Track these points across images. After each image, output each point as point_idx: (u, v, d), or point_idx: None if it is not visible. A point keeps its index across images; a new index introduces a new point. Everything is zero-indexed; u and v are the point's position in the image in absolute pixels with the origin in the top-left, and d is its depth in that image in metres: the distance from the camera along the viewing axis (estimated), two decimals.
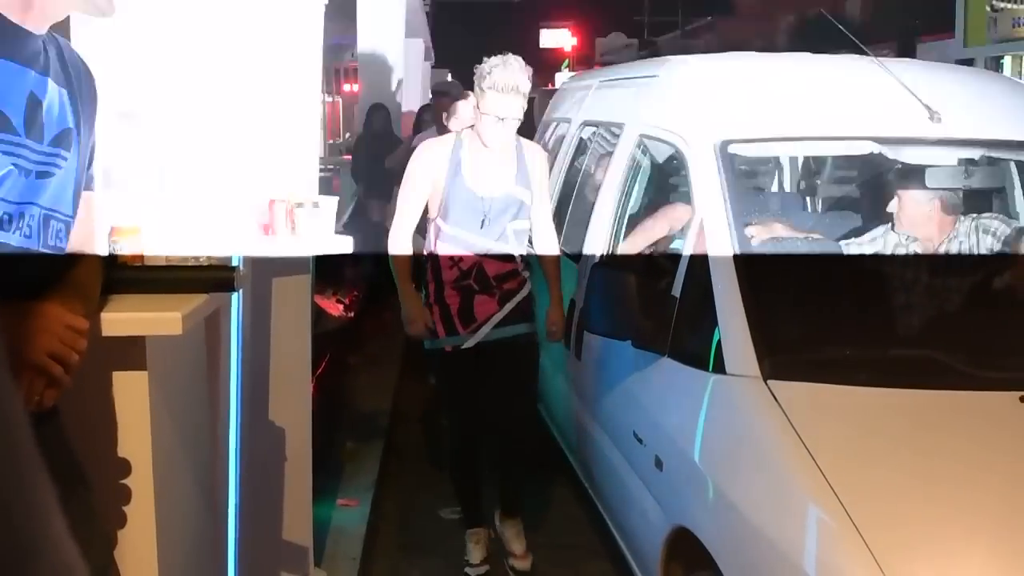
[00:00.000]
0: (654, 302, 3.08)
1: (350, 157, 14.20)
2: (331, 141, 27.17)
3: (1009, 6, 14.13)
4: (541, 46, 40.61)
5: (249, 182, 2.78)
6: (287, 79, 3.51)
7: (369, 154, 8.72)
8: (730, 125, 3.28)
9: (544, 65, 41.74)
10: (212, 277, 2.20)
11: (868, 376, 2.65)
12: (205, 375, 2.51)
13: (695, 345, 2.92)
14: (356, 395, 6.18)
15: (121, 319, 1.99)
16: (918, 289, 3.08)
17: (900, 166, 3.39)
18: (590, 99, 5.37)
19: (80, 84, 1.99)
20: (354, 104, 18.69)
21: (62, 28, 2.11)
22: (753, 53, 4.30)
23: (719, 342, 2.79)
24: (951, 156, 3.46)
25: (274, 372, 3.46)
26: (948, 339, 2.96)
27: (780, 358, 2.70)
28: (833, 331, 2.93)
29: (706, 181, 3.15)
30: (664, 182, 3.88)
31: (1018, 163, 3.72)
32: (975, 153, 3.48)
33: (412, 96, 16.04)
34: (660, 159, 3.75)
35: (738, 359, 2.72)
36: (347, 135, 24.66)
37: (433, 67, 28.65)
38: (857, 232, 3.48)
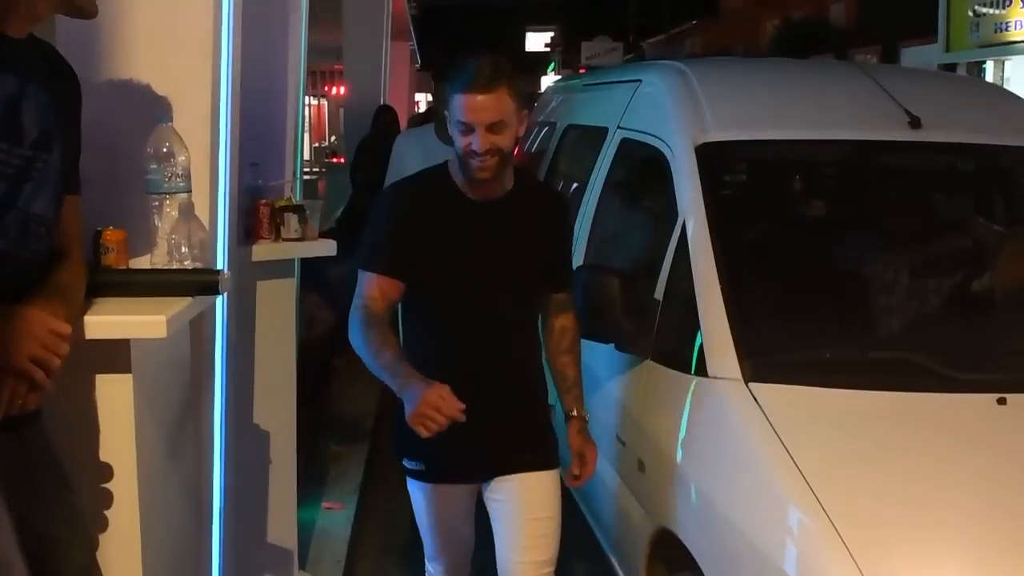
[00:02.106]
0: (637, 305, 3.10)
1: (339, 159, 14.11)
2: (316, 144, 27.13)
3: (991, 11, 14.22)
4: (527, 49, 40.65)
5: (233, 185, 2.78)
6: (270, 81, 3.54)
7: (376, 155, 8.67)
8: (711, 128, 3.30)
9: (529, 68, 41.78)
10: (197, 280, 2.21)
11: (848, 378, 2.67)
12: (190, 378, 2.52)
13: (677, 348, 2.94)
14: (341, 398, 6.18)
15: (105, 322, 2.00)
16: (898, 291, 3.11)
17: (881, 171, 3.42)
18: (574, 103, 5.40)
19: (64, 87, 1.99)
20: (340, 107, 18.67)
21: (47, 31, 2.12)
22: (736, 58, 4.33)
23: (701, 345, 2.82)
24: (931, 161, 3.49)
25: (259, 375, 3.47)
26: (928, 341, 2.99)
27: (761, 360, 2.72)
28: (814, 333, 2.95)
29: (687, 184, 3.18)
30: (647, 185, 3.90)
31: (998, 168, 3.75)
32: (955, 158, 3.51)
33: (398, 98, 16.03)
34: (643, 162, 3.77)
35: (719, 362, 2.74)
36: (332, 138, 24.64)
37: (419, 69, 28.69)
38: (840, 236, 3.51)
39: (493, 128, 2.52)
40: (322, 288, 5.85)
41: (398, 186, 2.90)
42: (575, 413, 2.84)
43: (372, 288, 2.64)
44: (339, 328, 4.64)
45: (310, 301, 5.76)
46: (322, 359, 5.59)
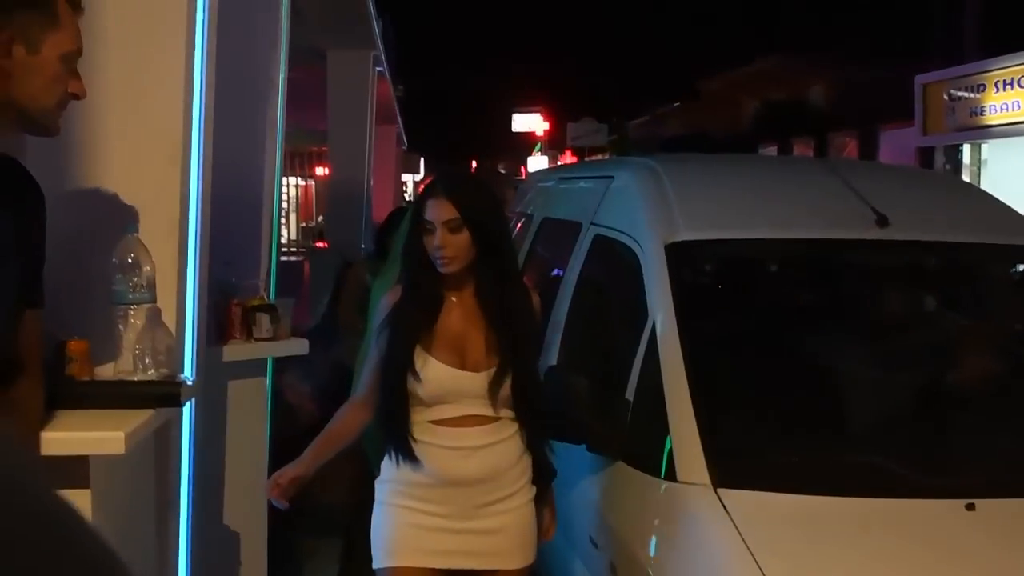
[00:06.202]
0: (608, 405, 3.10)
1: (324, 244, 14.11)
2: (303, 224, 27.20)
3: (966, 95, 14.50)
4: (513, 130, 41.18)
5: (202, 290, 2.78)
6: (245, 178, 3.56)
7: None
8: (680, 227, 3.33)
9: (516, 149, 42.27)
10: (158, 392, 2.20)
11: (817, 484, 2.66)
12: (153, 488, 2.49)
13: (648, 450, 2.92)
14: (316, 488, 6.10)
15: (63, 438, 1.99)
16: (867, 392, 3.11)
17: (849, 269, 3.45)
18: (551, 196, 5.46)
19: (26, 200, 2.01)
20: (326, 187, 18.85)
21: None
22: (708, 155, 4.39)
23: (671, 448, 2.80)
24: (899, 259, 3.52)
25: (229, 475, 3.45)
26: (897, 445, 2.98)
27: (730, 466, 2.71)
28: (783, 437, 2.95)
29: (657, 282, 3.19)
30: (619, 283, 3.93)
31: (965, 264, 3.79)
32: (922, 256, 3.55)
33: (383, 180, 16.12)
34: (615, 259, 3.80)
35: (688, 466, 2.72)
36: (319, 218, 24.81)
37: (406, 151, 28.98)
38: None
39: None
40: (308, 379, 5.82)
41: None
42: None
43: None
44: (323, 422, 4.54)
45: (294, 393, 5.72)
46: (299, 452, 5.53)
